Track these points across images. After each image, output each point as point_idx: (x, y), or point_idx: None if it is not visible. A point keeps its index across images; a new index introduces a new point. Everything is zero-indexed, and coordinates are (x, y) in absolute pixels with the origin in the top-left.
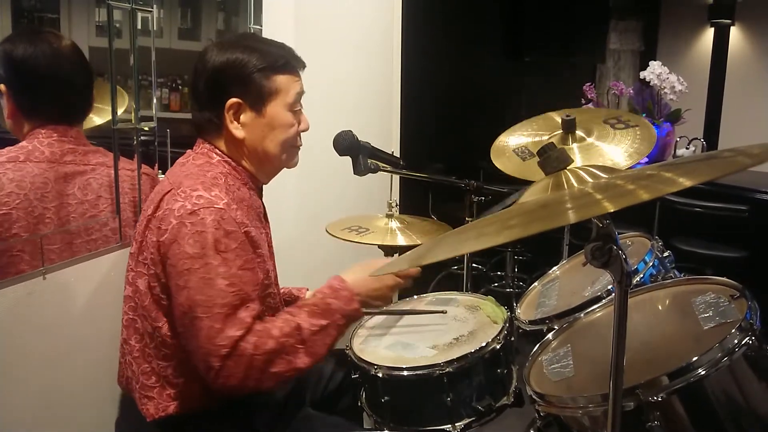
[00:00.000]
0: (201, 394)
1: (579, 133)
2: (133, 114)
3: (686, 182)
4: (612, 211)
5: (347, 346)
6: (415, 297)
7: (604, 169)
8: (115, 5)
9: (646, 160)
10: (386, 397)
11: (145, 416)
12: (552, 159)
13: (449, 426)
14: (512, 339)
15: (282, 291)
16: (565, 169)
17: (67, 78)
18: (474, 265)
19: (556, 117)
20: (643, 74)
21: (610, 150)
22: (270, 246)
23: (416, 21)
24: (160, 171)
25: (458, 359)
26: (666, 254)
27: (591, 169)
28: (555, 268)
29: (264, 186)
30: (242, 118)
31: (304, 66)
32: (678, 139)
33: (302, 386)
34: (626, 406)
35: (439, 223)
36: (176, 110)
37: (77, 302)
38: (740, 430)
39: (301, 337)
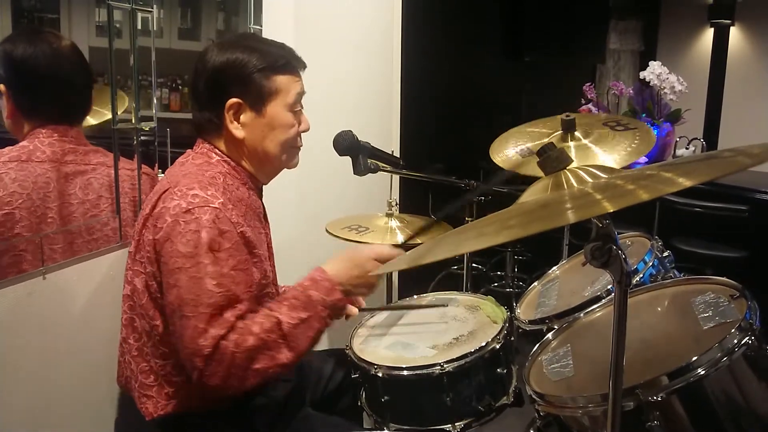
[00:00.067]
0: (200, 392)
1: (578, 134)
2: (133, 114)
3: (686, 182)
4: (611, 211)
5: (347, 346)
6: (415, 297)
7: (604, 169)
8: (115, 5)
9: (646, 160)
10: (386, 397)
11: (144, 415)
12: (552, 159)
13: (449, 426)
14: (512, 339)
15: (282, 291)
16: (565, 169)
17: (67, 78)
18: (474, 265)
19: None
20: (643, 74)
21: (603, 154)
22: (269, 246)
23: (416, 21)
24: (160, 171)
25: (458, 359)
26: (666, 254)
27: (591, 169)
28: (555, 268)
29: (264, 186)
30: (242, 118)
31: (304, 66)
32: (678, 139)
33: (302, 386)
34: (626, 406)
35: (439, 222)
36: (176, 110)
37: (77, 302)
38: (740, 430)
39: (282, 332)
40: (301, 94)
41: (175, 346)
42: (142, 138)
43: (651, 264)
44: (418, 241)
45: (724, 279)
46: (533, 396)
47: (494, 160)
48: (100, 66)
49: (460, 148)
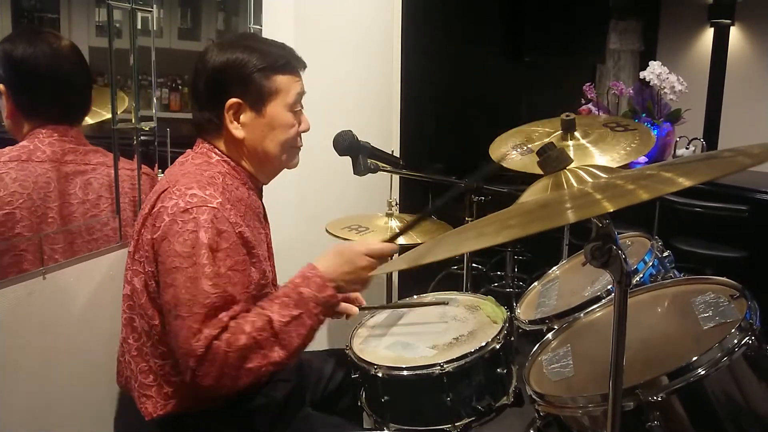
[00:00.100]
0: (199, 392)
1: (577, 134)
2: (133, 114)
3: (686, 182)
4: (611, 210)
5: (347, 346)
6: (415, 297)
7: (604, 169)
8: (115, 5)
9: (646, 160)
10: (386, 397)
11: (144, 415)
12: (552, 159)
13: (449, 426)
14: (512, 339)
15: None
16: (565, 168)
17: (66, 78)
18: (474, 265)
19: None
20: (643, 74)
21: (601, 155)
22: (269, 246)
23: (416, 21)
24: (159, 171)
25: (458, 359)
26: (666, 254)
27: (591, 168)
28: (555, 268)
29: (264, 186)
30: (242, 118)
31: (304, 66)
32: (678, 139)
33: (302, 386)
34: (626, 406)
35: (439, 222)
36: (176, 110)
37: (77, 302)
38: (740, 430)
39: (273, 330)
40: (301, 94)
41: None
42: (142, 138)
43: (651, 264)
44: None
45: (724, 279)
46: (533, 396)
47: (493, 159)
48: (100, 66)
49: (460, 148)
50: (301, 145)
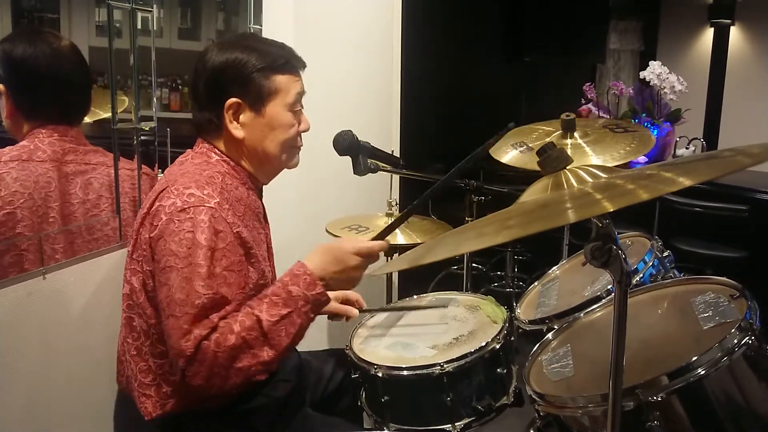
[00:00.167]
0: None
1: (576, 135)
2: (133, 114)
3: (686, 182)
4: (611, 210)
5: (347, 346)
6: (415, 297)
7: (603, 168)
8: (115, 5)
9: (646, 160)
10: (386, 397)
11: (144, 415)
12: (552, 158)
13: (449, 426)
14: (512, 339)
15: None
16: (565, 168)
17: (66, 78)
18: (474, 265)
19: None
20: (643, 74)
21: (600, 155)
22: (269, 246)
23: (416, 21)
24: (160, 171)
25: (458, 359)
26: (666, 254)
27: (591, 168)
28: (555, 268)
29: (264, 186)
30: (242, 118)
31: (304, 66)
32: (678, 139)
33: (302, 386)
34: (626, 406)
35: (439, 222)
36: (176, 110)
37: (77, 302)
38: (740, 430)
39: (262, 330)
40: (301, 93)
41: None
42: (142, 138)
43: (651, 264)
44: (411, 237)
45: (724, 279)
46: (533, 396)
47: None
48: (100, 66)
49: (460, 148)
50: (301, 145)
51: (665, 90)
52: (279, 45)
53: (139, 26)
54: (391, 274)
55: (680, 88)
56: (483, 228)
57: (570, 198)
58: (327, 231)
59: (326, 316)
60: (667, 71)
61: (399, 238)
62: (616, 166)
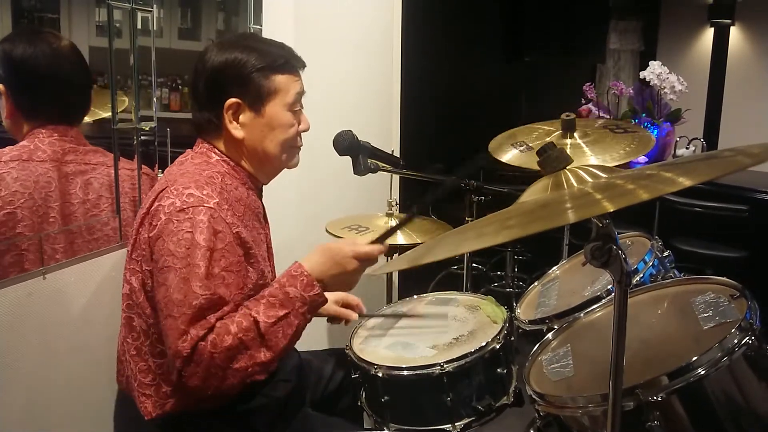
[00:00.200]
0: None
1: (576, 135)
2: (133, 114)
3: (686, 182)
4: (611, 210)
5: (347, 346)
6: (415, 297)
7: (603, 168)
8: (115, 5)
9: (646, 160)
10: (386, 397)
11: (144, 414)
12: (552, 158)
13: (449, 426)
14: (512, 339)
15: None
16: (565, 168)
17: (66, 78)
18: (474, 265)
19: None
20: (643, 74)
21: (599, 156)
22: (269, 246)
23: (416, 21)
24: (160, 171)
25: (458, 359)
26: (666, 254)
27: (591, 168)
28: (555, 268)
29: (264, 186)
30: (241, 118)
31: (304, 66)
32: (678, 139)
33: (302, 386)
34: (626, 406)
35: (439, 222)
36: (176, 110)
37: (77, 302)
38: (740, 430)
39: (259, 331)
40: (301, 93)
41: None
42: (142, 138)
43: (651, 264)
44: (411, 237)
45: (724, 279)
46: (533, 396)
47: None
48: (100, 66)
49: (460, 148)
50: (301, 145)
51: (665, 90)
52: (279, 45)
53: (139, 26)
54: (391, 273)
55: (680, 88)
56: (483, 228)
57: (570, 198)
58: (327, 231)
59: (326, 318)
60: (667, 71)
61: (399, 238)
62: (616, 167)
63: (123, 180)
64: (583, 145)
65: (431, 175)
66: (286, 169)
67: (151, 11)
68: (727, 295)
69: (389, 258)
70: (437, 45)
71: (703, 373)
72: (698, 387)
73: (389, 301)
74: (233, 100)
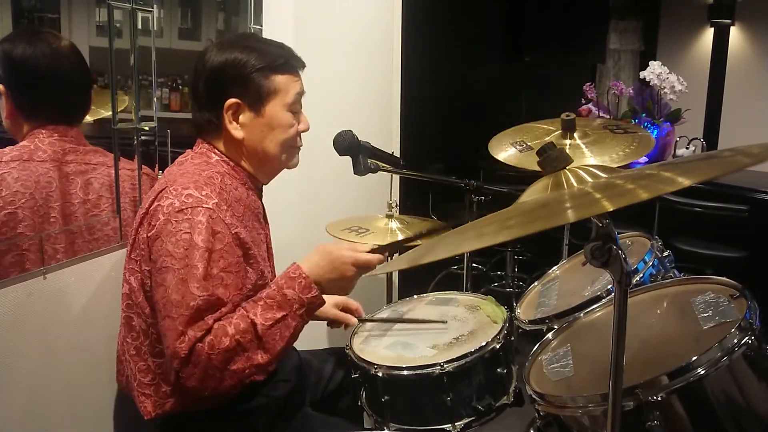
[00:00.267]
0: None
1: (576, 135)
2: (133, 114)
3: (686, 182)
4: (611, 210)
5: (347, 346)
6: (415, 297)
7: (603, 168)
8: (115, 5)
9: (646, 160)
10: (386, 397)
11: (144, 414)
12: (552, 158)
13: (449, 426)
14: (512, 339)
15: None
16: (565, 168)
17: (66, 78)
18: (474, 264)
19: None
20: (643, 74)
21: (598, 156)
22: (269, 247)
23: (416, 21)
24: (160, 171)
25: (458, 359)
26: (666, 254)
27: (591, 168)
28: (555, 267)
29: (264, 186)
30: (241, 118)
31: (303, 66)
32: (678, 139)
33: (302, 386)
34: (626, 406)
35: (439, 222)
36: (176, 110)
37: (77, 302)
38: (740, 430)
39: (256, 333)
40: (301, 93)
41: None
42: (142, 138)
43: (651, 264)
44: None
45: (724, 279)
46: (533, 396)
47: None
48: (100, 66)
49: (460, 148)
50: (301, 145)
51: (665, 90)
52: (278, 45)
53: (139, 26)
54: (391, 273)
55: (680, 88)
56: (483, 228)
57: (570, 198)
58: (327, 231)
59: (325, 322)
60: (667, 71)
61: (399, 237)
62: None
63: (123, 180)
64: (583, 145)
65: (431, 175)
66: (286, 169)
67: (151, 11)
68: (727, 295)
69: (389, 258)
70: (437, 45)
71: (702, 372)
72: (698, 387)
73: (389, 301)
74: (233, 100)
